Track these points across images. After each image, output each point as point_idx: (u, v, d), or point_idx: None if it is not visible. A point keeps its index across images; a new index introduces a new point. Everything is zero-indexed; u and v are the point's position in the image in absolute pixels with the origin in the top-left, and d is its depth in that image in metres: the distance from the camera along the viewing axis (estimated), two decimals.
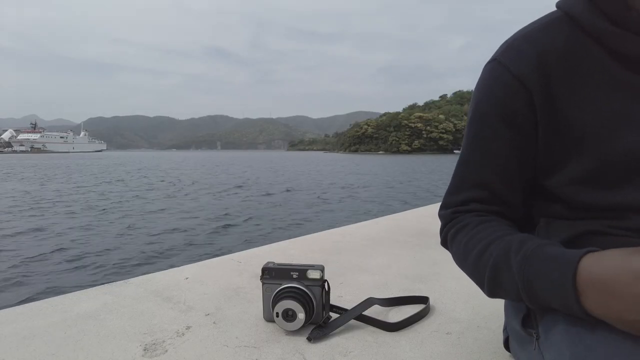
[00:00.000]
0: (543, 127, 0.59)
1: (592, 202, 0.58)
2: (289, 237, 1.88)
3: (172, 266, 1.43)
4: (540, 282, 0.48)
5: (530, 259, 0.50)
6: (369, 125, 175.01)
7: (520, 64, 0.57)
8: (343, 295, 1.12)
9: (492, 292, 0.57)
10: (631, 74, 0.54)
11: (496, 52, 0.61)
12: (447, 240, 0.68)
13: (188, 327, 0.92)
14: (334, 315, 0.93)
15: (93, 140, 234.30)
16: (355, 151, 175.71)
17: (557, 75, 0.57)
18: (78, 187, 17.94)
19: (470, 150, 0.64)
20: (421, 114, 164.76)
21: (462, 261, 0.64)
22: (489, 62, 0.62)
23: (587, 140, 0.57)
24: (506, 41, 0.61)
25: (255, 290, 1.15)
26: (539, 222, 0.65)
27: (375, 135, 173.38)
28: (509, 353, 0.75)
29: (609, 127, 0.55)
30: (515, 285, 0.51)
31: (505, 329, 0.76)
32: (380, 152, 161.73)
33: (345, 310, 0.94)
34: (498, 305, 1.03)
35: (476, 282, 0.61)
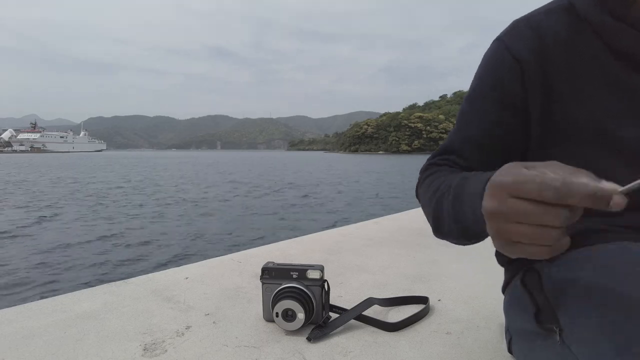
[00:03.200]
0: (536, 112, 0.60)
1: None
2: (289, 237, 1.88)
3: (172, 266, 1.43)
4: (465, 193, 0.51)
5: (465, 179, 0.53)
6: (369, 125, 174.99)
7: (521, 47, 0.59)
8: (343, 295, 1.12)
9: (435, 225, 0.59)
10: (626, 69, 0.54)
11: (503, 31, 0.63)
12: (417, 187, 0.70)
13: (188, 327, 0.92)
14: (333, 315, 0.93)
15: (93, 139, 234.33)
16: (356, 151, 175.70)
17: (555, 62, 0.57)
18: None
19: (460, 120, 0.68)
20: (421, 114, 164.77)
21: (423, 203, 0.65)
22: (494, 40, 0.63)
23: (577, 131, 0.57)
24: (513, 22, 0.62)
25: (255, 290, 1.15)
26: None
27: (375, 135, 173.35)
28: (510, 355, 0.75)
29: (599, 121, 0.56)
30: (449, 210, 0.54)
31: (507, 331, 0.74)
32: (380, 152, 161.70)
33: (345, 310, 0.94)
34: (498, 305, 1.03)
35: (429, 220, 0.62)
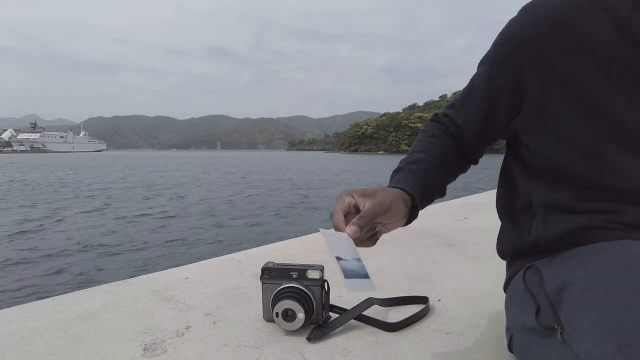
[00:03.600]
0: (531, 90, 0.62)
1: (591, 180, 0.59)
2: (289, 237, 1.88)
3: (172, 266, 1.43)
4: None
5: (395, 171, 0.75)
6: (368, 125, 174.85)
7: (528, 25, 0.61)
8: (343, 295, 1.12)
9: None
10: (636, 55, 0.55)
11: (521, 8, 0.65)
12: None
13: (188, 327, 0.92)
14: (333, 315, 0.93)
15: (93, 139, 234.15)
16: (355, 151, 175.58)
17: (560, 43, 0.58)
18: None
19: (468, 83, 0.76)
20: (421, 114, 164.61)
21: None
22: (517, 13, 0.65)
23: (575, 112, 0.58)
24: (529, 2, 0.64)
25: (255, 290, 1.15)
26: (538, 213, 0.65)
27: (375, 135, 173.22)
28: (511, 354, 0.75)
29: (599, 104, 0.56)
30: None
31: (507, 329, 0.74)
32: (380, 152, 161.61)
33: (345, 310, 0.94)
34: (498, 305, 1.02)
35: None
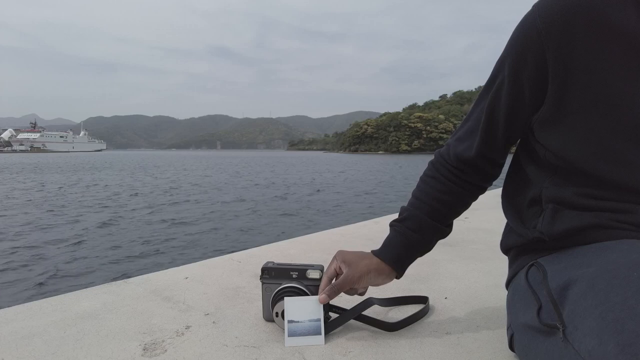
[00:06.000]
0: (554, 83, 0.60)
1: (603, 177, 0.58)
2: (289, 237, 1.88)
3: (172, 266, 1.43)
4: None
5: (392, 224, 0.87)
6: (368, 125, 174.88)
7: (549, 18, 0.58)
8: (343, 295, 1.12)
9: None
10: None
11: (535, 3, 0.63)
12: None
13: (187, 327, 0.92)
14: (333, 315, 0.93)
15: (93, 139, 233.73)
16: (355, 151, 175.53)
17: (583, 34, 0.56)
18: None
19: (480, 98, 0.72)
20: (421, 114, 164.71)
21: None
22: (532, 6, 0.63)
23: (594, 106, 0.57)
24: None
25: (255, 290, 1.15)
26: (546, 209, 0.64)
27: (375, 135, 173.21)
28: (512, 353, 0.75)
29: (620, 96, 0.55)
30: None
31: (509, 327, 0.74)
32: (380, 152, 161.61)
33: (345, 310, 0.94)
34: (498, 305, 1.03)
35: None
